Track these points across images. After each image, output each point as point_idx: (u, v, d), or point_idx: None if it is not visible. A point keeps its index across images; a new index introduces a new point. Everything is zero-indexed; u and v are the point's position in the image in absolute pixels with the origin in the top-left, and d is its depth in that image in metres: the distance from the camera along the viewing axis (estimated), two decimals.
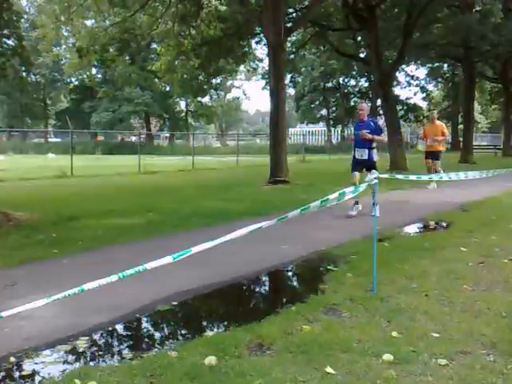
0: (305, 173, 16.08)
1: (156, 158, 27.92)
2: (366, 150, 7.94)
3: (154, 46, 39.52)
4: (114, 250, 5.68)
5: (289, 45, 22.36)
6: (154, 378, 2.61)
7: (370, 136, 7.84)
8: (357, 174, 7.99)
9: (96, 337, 3.33)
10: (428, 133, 12.42)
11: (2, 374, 2.78)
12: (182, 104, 53.35)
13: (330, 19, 20.84)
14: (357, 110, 8.52)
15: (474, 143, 27.75)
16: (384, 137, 8.86)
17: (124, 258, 5.22)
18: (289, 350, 2.91)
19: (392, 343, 2.99)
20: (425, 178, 7.85)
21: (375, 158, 7.95)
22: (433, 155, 12.17)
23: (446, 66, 41.63)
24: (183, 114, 53.50)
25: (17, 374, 2.79)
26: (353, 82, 50.53)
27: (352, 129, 8.62)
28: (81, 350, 3.10)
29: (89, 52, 18.31)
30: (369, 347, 2.94)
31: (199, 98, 47.83)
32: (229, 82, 56.76)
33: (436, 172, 11.41)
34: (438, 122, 12.53)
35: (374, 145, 7.98)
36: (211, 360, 2.76)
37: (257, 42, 22.58)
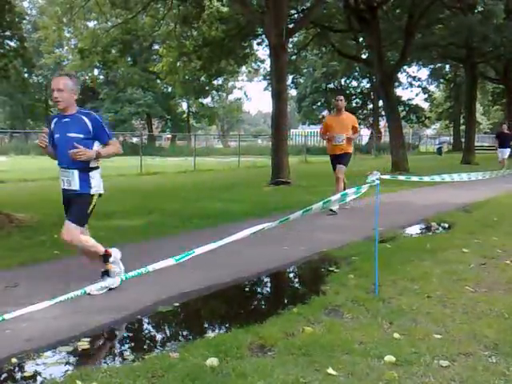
0: (306, 174, 16.07)
1: (158, 158, 27.92)
2: (76, 173, 3.99)
3: (156, 47, 39.66)
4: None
5: (290, 46, 22.43)
6: (156, 380, 2.61)
7: (91, 153, 3.92)
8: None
9: (97, 338, 3.33)
10: (333, 127, 8.33)
11: (4, 375, 2.78)
12: (184, 105, 53.45)
13: (331, 20, 20.88)
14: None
15: (475, 144, 27.75)
16: (118, 146, 4.23)
17: (126, 259, 5.22)
18: (290, 352, 2.91)
19: (394, 345, 2.99)
20: (427, 179, 7.73)
21: (94, 185, 4.13)
22: (340, 159, 8.38)
23: (448, 66, 41.63)
24: (185, 115, 53.56)
25: (18, 375, 2.79)
26: (355, 83, 50.53)
27: None
28: (82, 351, 3.10)
29: (91, 53, 18.41)
30: (370, 348, 2.93)
31: (201, 99, 48.01)
32: (230, 83, 56.81)
33: (338, 184, 8.20)
34: (346, 114, 8.56)
35: (95, 163, 4.09)
36: (213, 361, 2.76)
37: (258, 43, 22.61)
